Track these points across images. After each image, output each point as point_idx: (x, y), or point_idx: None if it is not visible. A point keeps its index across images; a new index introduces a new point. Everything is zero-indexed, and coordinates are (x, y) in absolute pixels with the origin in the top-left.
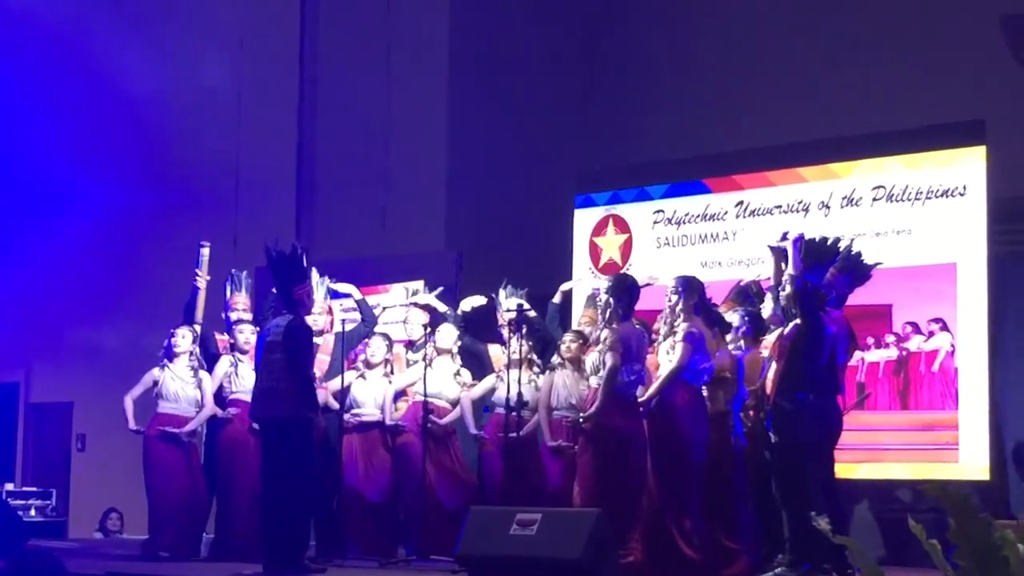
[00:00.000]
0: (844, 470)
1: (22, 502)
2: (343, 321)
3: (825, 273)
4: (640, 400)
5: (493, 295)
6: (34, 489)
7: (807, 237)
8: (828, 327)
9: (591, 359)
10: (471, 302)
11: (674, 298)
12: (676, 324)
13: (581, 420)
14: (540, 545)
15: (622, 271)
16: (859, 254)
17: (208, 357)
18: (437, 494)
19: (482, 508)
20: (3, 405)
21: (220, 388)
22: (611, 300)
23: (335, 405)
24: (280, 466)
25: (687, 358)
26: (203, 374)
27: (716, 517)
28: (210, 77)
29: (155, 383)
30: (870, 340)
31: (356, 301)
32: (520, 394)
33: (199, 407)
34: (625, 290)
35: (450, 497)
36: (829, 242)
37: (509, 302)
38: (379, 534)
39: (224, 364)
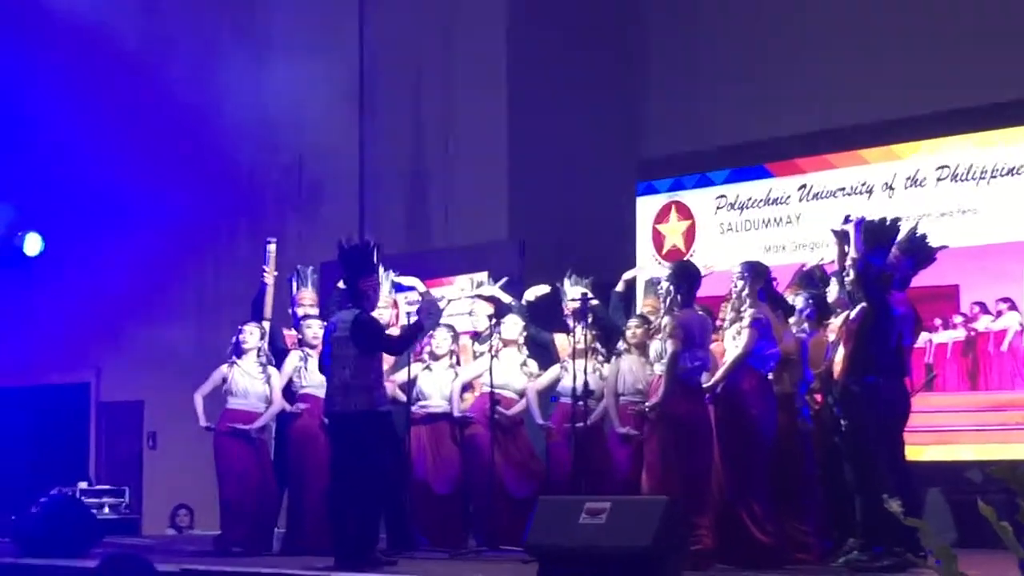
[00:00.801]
0: (914, 452)
1: (96, 500)
2: (408, 315)
3: (888, 255)
4: (705, 386)
5: (557, 284)
6: (107, 487)
7: (869, 219)
8: (894, 309)
9: (654, 346)
10: (535, 291)
11: (739, 283)
12: (742, 310)
13: (647, 409)
14: (610, 534)
15: (685, 257)
16: (923, 236)
17: (276, 353)
18: (505, 485)
19: (551, 498)
20: (75, 405)
21: (289, 383)
22: (671, 287)
23: (402, 398)
24: (351, 460)
25: (752, 344)
26: (271, 370)
27: (786, 501)
28: (272, 77)
29: (224, 380)
30: (937, 321)
31: (420, 294)
32: (586, 383)
33: (268, 403)
34: (686, 277)
35: (518, 487)
36: (889, 223)
37: (573, 291)
38: (448, 525)
39: (293, 359)
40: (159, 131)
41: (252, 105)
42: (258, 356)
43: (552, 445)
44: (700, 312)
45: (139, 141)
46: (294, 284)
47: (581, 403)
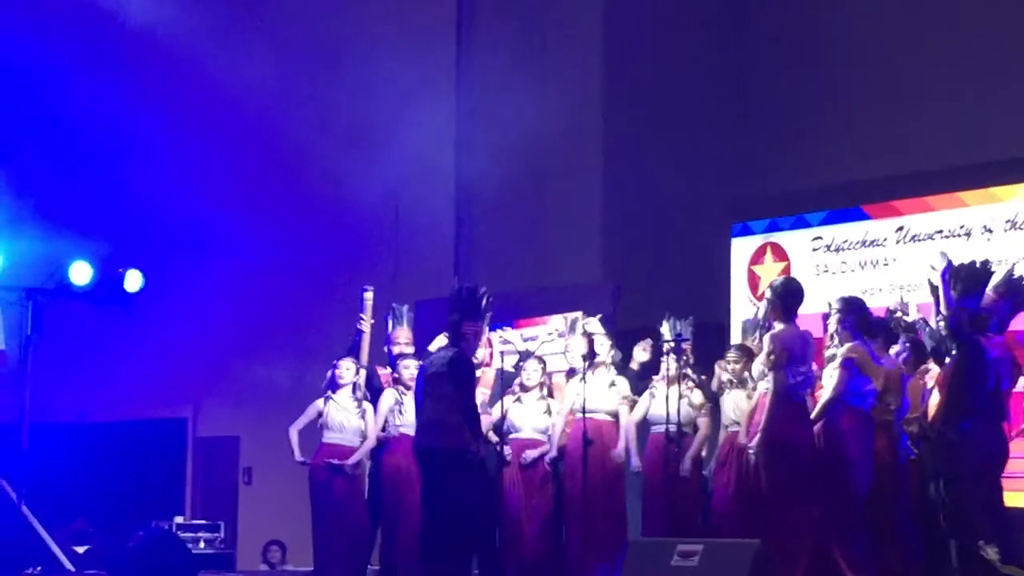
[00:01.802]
0: (1013, 498)
1: (191, 535)
2: (502, 354)
3: (981, 297)
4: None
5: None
6: (203, 522)
7: (958, 264)
8: (989, 352)
9: (756, 366)
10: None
11: (833, 319)
12: (836, 347)
13: (750, 450)
14: None
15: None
16: (1020, 278)
17: (372, 391)
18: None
19: (643, 539)
20: (172, 439)
21: (385, 422)
22: (775, 300)
23: (494, 438)
24: (444, 498)
25: (843, 386)
26: (367, 405)
27: (882, 533)
28: (368, 114)
29: (320, 414)
30: None
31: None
32: (679, 424)
33: (363, 437)
34: (788, 292)
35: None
36: (980, 265)
37: (668, 332)
38: (540, 566)
39: (389, 398)
40: (260, 170)
41: (349, 142)
42: (354, 392)
43: (647, 490)
44: (800, 329)
45: (240, 179)
46: (390, 323)
47: (674, 446)
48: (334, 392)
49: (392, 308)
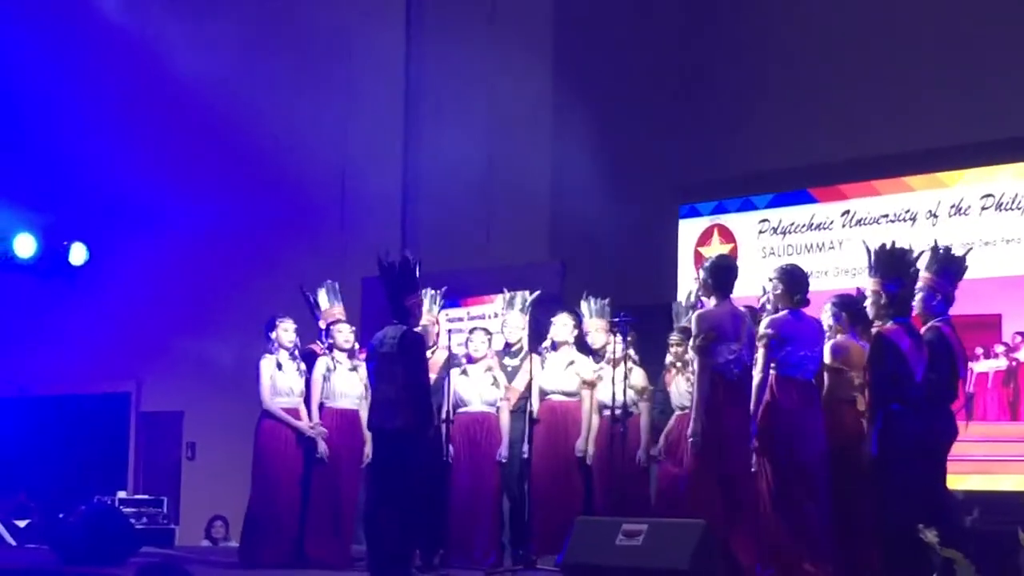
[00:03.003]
0: (954, 481)
1: (134, 510)
2: (449, 332)
3: (903, 283)
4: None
5: (577, 310)
6: (145, 497)
7: (879, 248)
8: (900, 342)
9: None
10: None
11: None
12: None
13: (689, 437)
14: (646, 555)
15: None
16: (946, 248)
17: (304, 357)
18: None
19: (588, 518)
20: (115, 414)
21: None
22: (707, 277)
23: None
24: (392, 475)
25: (764, 362)
26: (303, 366)
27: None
28: (316, 93)
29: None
30: (979, 350)
31: None
32: (624, 405)
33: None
34: (720, 269)
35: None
36: (901, 254)
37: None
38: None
39: (321, 366)
40: (204, 143)
41: (297, 118)
42: (292, 354)
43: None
44: (741, 308)
45: (185, 153)
46: (322, 298)
47: (620, 427)
48: (276, 353)
49: (326, 285)
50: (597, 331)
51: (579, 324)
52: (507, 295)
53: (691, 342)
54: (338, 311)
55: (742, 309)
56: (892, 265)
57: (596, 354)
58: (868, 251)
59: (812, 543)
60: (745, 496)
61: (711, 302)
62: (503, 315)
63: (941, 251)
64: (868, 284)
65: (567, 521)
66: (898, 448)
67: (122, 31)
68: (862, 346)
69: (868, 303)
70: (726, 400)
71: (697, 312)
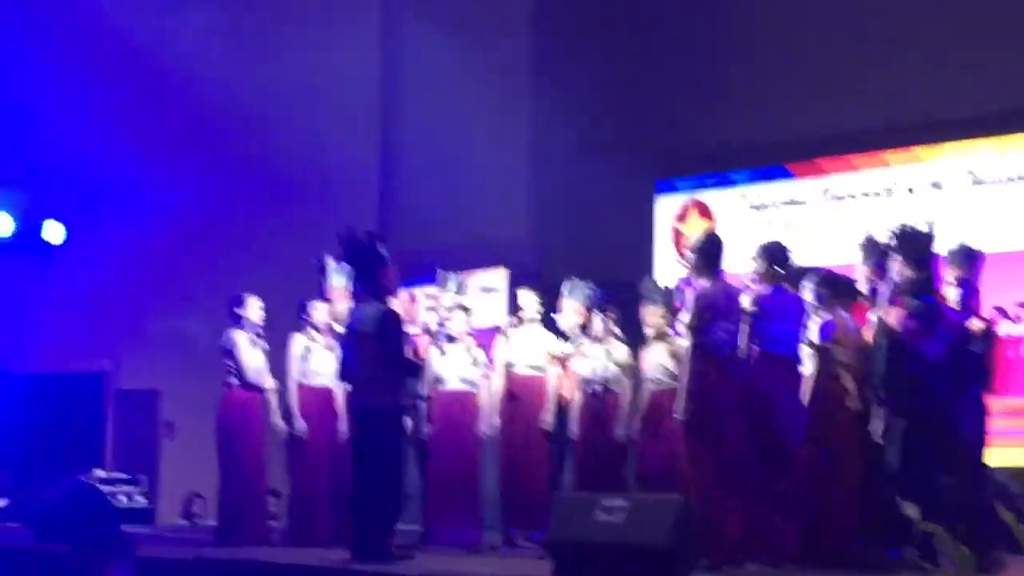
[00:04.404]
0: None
1: (111, 488)
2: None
3: (926, 263)
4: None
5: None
6: (123, 476)
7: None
8: (923, 318)
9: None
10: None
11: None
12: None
13: (676, 415)
14: (626, 531)
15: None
16: (911, 227)
17: None
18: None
19: (567, 493)
20: (92, 393)
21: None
22: (697, 255)
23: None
24: (373, 454)
25: (750, 334)
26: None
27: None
28: (292, 69)
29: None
30: None
31: None
32: (605, 381)
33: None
34: (710, 246)
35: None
36: (924, 234)
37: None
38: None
39: (299, 344)
40: (180, 121)
41: (272, 96)
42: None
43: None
44: (725, 283)
45: (161, 131)
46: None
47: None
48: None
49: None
50: (572, 312)
51: (546, 300)
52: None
53: (685, 320)
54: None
55: (734, 286)
56: (915, 245)
57: (583, 331)
58: (891, 232)
59: (791, 518)
60: (737, 473)
61: (702, 281)
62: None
63: (907, 231)
64: (893, 265)
65: (534, 494)
66: (922, 425)
67: (99, 11)
68: (847, 323)
69: (859, 282)
70: (718, 378)
71: (696, 291)
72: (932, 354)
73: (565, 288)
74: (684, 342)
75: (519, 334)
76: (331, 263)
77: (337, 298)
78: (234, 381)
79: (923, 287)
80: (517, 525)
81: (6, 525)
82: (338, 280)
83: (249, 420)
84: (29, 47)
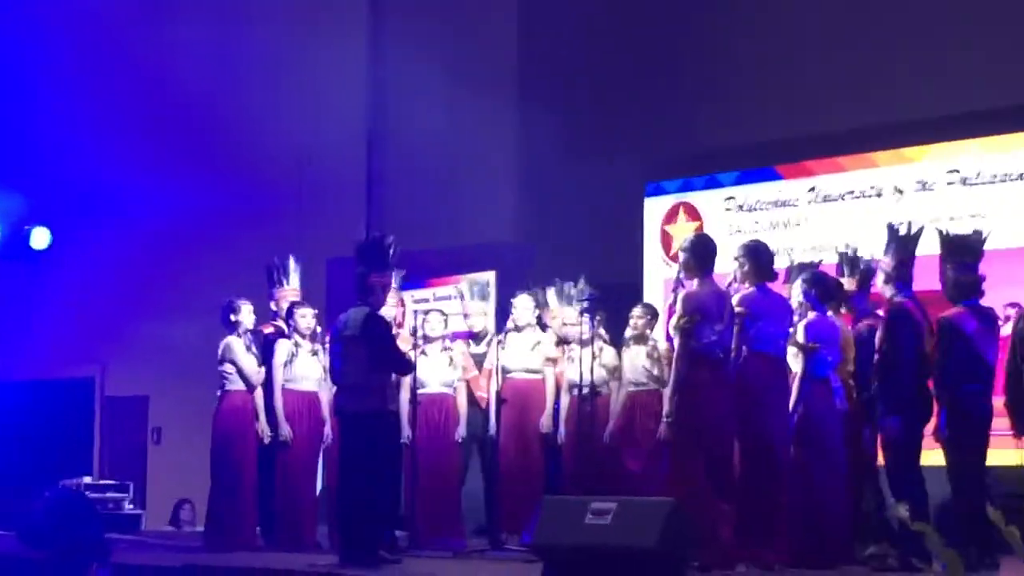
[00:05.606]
0: (923, 456)
1: (99, 495)
2: (416, 313)
3: (970, 267)
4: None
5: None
6: (111, 482)
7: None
8: (968, 323)
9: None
10: None
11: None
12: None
13: (664, 418)
14: (615, 534)
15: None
16: (895, 226)
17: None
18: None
19: (556, 497)
20: (80, 399)
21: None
22: (688, 256)
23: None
24: (361, 459)
25: (739, 335)
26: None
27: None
28: (278, 70)
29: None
30: None
31: None
32: (592, 384)
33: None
34: (701, 248)
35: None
36: (970, 239)
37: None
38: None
39: (283, 350)
40: (166, 127)
41: (259, 101)
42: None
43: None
44: (716, 286)
45: (148, 137)
46: (292, 276)
47: (587, 403)
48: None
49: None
50: (560, 315)
51: (539, 305)
52: (464, 283)
53: (673, 322)
54: (292, 293)
55: (723, 288)
56: (961, 250)
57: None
58: (939, 237)
59: (781, 520)
60: (727, 475)
61: (693, 283)
62: (463, 306)
63: (893, 229)
64: (947, 269)
65: (530, 499)
66: (972, 428)
67: (88, 17)
68: (834, 324)
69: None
70: (709, 380)
71: (685, 292)
72: (994, 357)
73: (553, 291)
74: (664, 344)
75: (514, 339)
76: (292, 263)
77: (283, 298)
78: (230, 387)
79: (973, 290)
80: (508, 529)
81: None
82: (295, 281)
83: (244, 426)
84: (17, 54)
